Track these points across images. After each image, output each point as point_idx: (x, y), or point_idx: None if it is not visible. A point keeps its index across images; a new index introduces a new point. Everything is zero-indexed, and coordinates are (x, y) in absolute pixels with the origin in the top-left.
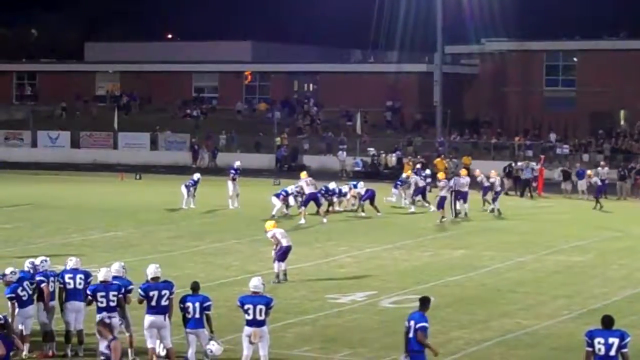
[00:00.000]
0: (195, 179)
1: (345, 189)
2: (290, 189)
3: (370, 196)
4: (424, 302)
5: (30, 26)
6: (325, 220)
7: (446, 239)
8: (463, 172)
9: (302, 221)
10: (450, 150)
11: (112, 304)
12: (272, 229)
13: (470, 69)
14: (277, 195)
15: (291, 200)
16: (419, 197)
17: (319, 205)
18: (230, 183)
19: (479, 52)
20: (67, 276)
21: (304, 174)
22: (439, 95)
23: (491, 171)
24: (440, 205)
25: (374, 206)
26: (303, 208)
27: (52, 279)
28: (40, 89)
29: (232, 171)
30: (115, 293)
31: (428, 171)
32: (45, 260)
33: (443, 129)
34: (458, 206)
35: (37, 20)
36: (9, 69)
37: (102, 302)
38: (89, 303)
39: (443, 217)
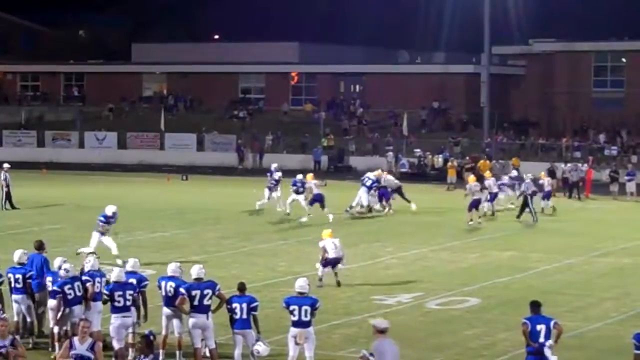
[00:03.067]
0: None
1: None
2: (299, 177)
3: (382, 194)
4: (538, 305)
5: (77, 27)
6: (331, 217)
7: (493, 241)
8: (471, 178)
9: (304, 219)
10: (497, 152)
11: (127, 303)
12: (326, 237)
13: (518, 69)
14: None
15: (301, 199)
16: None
17: (323, 205)
18: (267, 191)
19: (526, 52)
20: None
21: (310, 176)
22: (486, 96)
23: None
24: (472, 206)
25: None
26: (309, 207)
27: (97, 279)
28: (88, 90)
29: (273, 182)
30: (132, 292)
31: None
32: (89, 261)
33: (490, 130)
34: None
35: (84, 22)
36: (57, 70)
37: (119, 302)
38: (104, 302)
39: (471, 220)
